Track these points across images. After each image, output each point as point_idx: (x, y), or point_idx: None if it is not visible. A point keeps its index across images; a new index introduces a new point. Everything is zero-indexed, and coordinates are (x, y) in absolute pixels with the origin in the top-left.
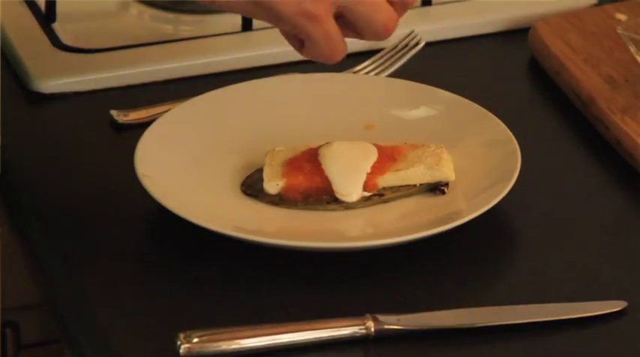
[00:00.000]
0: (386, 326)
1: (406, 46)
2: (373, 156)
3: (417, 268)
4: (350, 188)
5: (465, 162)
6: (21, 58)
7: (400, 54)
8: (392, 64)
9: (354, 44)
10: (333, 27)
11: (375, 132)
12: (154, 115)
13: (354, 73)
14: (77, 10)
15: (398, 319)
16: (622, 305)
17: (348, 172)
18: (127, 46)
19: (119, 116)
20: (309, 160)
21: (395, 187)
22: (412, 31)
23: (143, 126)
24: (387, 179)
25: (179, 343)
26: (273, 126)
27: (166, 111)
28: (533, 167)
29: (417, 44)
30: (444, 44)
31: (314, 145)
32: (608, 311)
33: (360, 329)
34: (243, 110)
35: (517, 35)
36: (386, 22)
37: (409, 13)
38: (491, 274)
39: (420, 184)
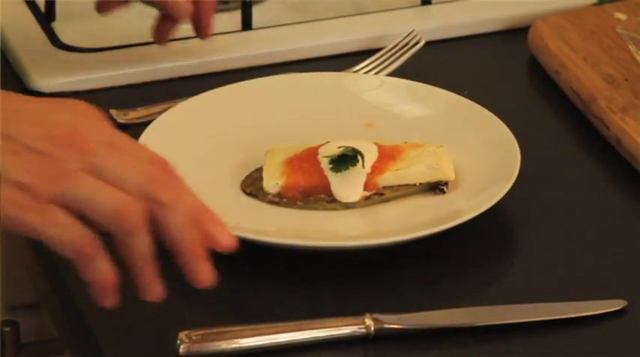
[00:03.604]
0: (386, 325)
1: (406, 45)
2: (373, 155)
3: (417, 267)
4: (349, 191)
5: (464, 161)
6: (20, 57)
7: (400, 53)
8: (392, 63)
9: (354, 43)
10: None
11: (374, 131)
12: (153, 114)
13: (354, 72)
14: (77, 10)
15: (398, 319)
16: (622, 304)
17: (348, 173)
18: (127, 45)
19: (119, 116)
20: (309, 159)
21: (395, 186)
22: (412, 30)
23: (143, 125)
24: (387, 178)
25: (179, 342)
26: (272, 125)
27: (166, 110)
28: (532, 166)
29: (417, 43)
30: (443, 43)
31: (314, 144)
32: (608, 310)
33: (360, 329)
34: (242, 109)
35: (517, 34)
36: (116, 204)
37: (409, 13)
38: (490, 274)
39: (420, 184)
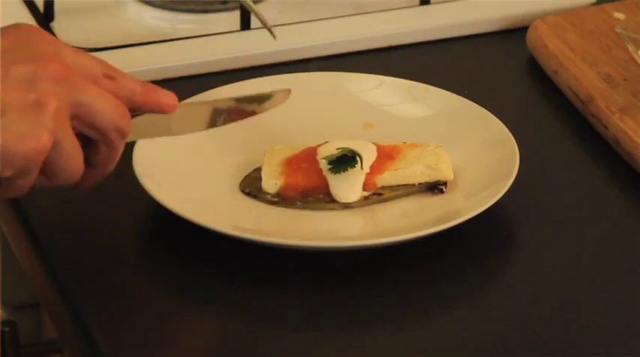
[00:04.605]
0: None
1: None
2: (372, 155)
3: (416, 267)
4: (348, 191)
5: (463, 161)
6: None
7: None
8: None
9: (353, 43)
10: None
11: (374, 131)
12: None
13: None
14: (75, 9)
15: None
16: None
17: (347, 174)
18: (125, 45)
19: None
20: (308, 159)
21: (394, 186)
22: None
23: None
24: (386, 178)
25: None
26: (272, 125)
27: None
28: (531, 166)
29: None
30: (442, 43)
31: (313, 144)
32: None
33: None
34: None
35: (516, 34)
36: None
37: (408, 13)
38: (489, 273)
39: (419, 184)
